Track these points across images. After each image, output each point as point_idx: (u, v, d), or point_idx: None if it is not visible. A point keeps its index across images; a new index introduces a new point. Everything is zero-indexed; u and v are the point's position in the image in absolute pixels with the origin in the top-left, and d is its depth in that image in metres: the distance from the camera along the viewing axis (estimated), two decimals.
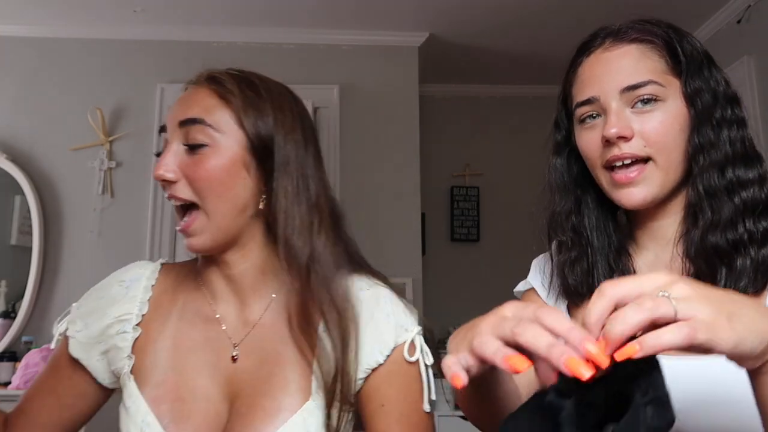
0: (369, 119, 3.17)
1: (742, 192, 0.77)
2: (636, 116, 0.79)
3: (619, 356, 0.46)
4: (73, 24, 3.06)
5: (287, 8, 2.97)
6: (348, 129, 3.13)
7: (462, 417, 3.05)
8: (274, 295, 0.87)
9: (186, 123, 0.81)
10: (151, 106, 3.05)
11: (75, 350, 0.87)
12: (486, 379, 0.68)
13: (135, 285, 0.89)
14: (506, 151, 3.88)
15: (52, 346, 0.90)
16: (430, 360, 0.84)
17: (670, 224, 0.83)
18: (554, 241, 0.91)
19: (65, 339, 0.89)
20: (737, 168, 0.78)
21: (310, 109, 2.98)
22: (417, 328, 0.84)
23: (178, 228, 0.83)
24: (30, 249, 2.89)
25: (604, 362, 0.46)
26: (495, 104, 3.94)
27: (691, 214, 0.79)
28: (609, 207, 0.87)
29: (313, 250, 0.83)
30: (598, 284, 0.69)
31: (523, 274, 0.98)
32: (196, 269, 0.92)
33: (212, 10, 2.97)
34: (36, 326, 2.84)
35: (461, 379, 0.52)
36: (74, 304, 0.92)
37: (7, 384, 2.62)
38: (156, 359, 0.84)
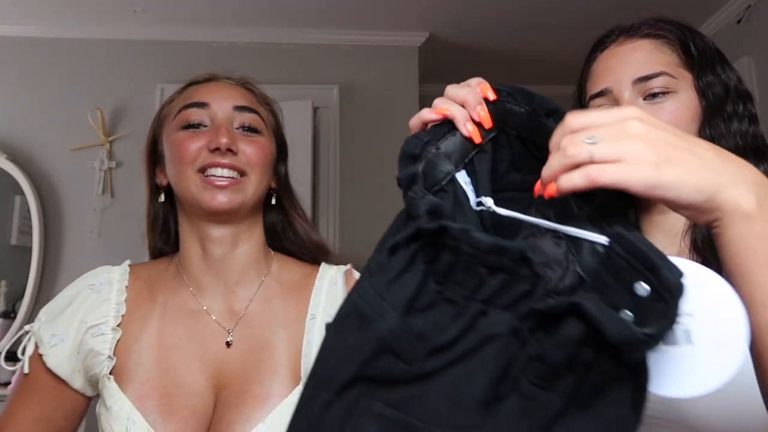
0: (369, 119, 3.17)
1: None
2: (648, 106, 0.80)
3: (546, 194, 0.49)
4: (73, 24, 3.06)
5: (287, 8, 2.97)
6: (348, 129, 3.13)
7: None
8: (263, 279, 0.90)
9: (243, 109, 0.88)
10: (151, 106, 3.05)
11: (58, 368, 0.85)
12: None
13: (106, 288, 0.89)
14: None
15: (26, 370, 0.87)
16: None
17: (677, 218, 0.82)
18: None
19: (38, 360, 0.86)
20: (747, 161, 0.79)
21: (310, 109, 3.01)
22: None
23: (221, 183, 0.83)
24: (30, 249, 2.89)
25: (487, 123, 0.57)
26: None
27: None
28: None
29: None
30: None
31: None
32: (171, 267, 0.93)
33: (212, 10, 2.97)
34: None
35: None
36: (33, 326, 0.89)
37: (7, 384, 2.62)
38: (139, 359, 0.84)
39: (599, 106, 0.83)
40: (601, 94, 0.83)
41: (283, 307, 0.88)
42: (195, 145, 0.84)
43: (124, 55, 3.11)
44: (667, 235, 0.83)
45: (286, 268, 0.94)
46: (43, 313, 0.90)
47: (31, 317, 2.86)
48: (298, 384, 0.82)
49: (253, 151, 0.86)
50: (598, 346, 0.42)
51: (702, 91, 0.81)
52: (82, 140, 2.99)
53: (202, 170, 0.84)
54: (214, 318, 0.87)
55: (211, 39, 3.13)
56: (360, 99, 3.18)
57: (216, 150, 0.83)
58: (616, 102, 0.81)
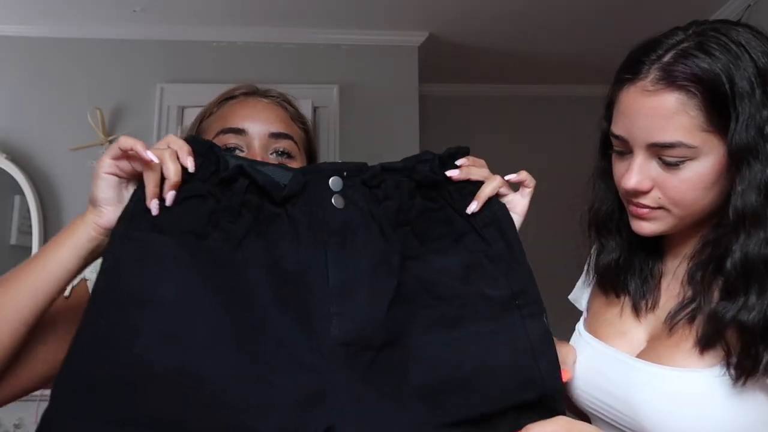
0: (369, 119, 3.17)
1: None
2: (660, 168, 0.76)
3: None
4: (72, 24, 3.06)
5: (287, 8, 2.97)
6: (348, 129, 3.13)
7: None
8: None
9: (278, 136, 0.93)
10: (150, 106, 3.05)
11: None
12: None
13: None
14: (506, 151, 3.88)
15: (66, 293, 0.85)
16: None
17: (693, 243, 0.83)
18: (595, 245, 0.94)
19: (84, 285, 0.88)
20: None
21: (309, 109, 3.00)
22: None
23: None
24: (30, 249, 2.89)
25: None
26: (495, 104, 3.94)
27: (727, 288, 0.74)
28: None
29: None
30: (628, 283, 0.87)
31: None
32: None
33: (212, 10, 2.97)
34: None
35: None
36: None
37: None
38: None
39: (617, 147, 0.81)
40: (618, 138, 0.79)
41: None
42: None
43: (123, 55, 3.11)
44: (679, 256, 0.86)
45: None
46: None
47: None
48: None
49: None
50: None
51: (734, 158, 0.72)
52: (82, 140, 2.99)
53: None
54: None
55: (211, 39, 3.12)
56: (360, 99, 3.17)
57: None
58: (631, 152, 0.78)
